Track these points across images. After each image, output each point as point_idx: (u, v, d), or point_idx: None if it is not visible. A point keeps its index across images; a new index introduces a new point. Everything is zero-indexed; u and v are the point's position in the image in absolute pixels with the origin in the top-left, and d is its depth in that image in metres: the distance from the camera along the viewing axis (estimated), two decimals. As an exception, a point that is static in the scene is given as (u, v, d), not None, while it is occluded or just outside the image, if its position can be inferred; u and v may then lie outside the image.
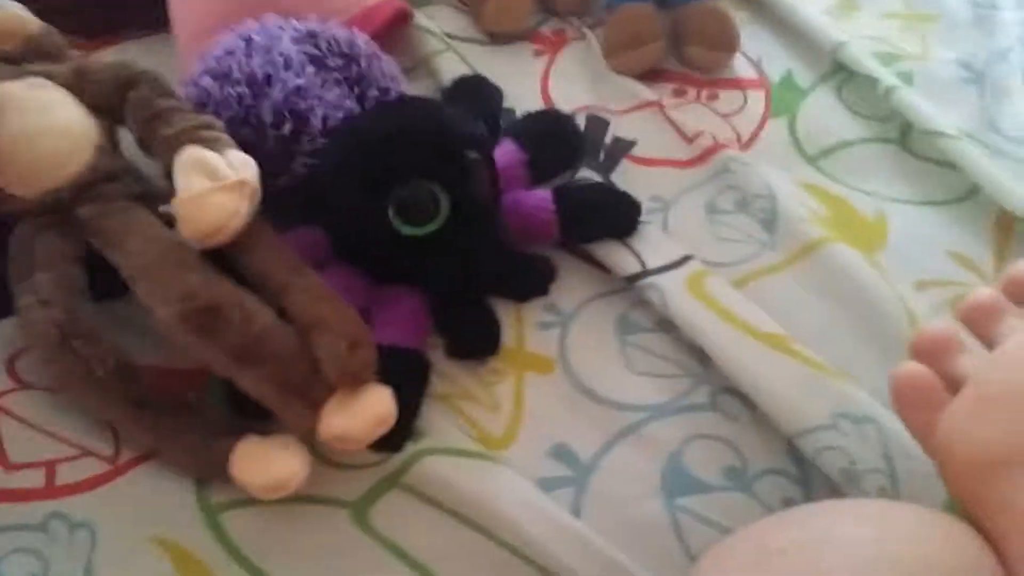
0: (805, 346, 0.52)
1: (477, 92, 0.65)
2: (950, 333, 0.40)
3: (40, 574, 0.45)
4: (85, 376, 0.46)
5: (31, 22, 0.53)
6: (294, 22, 0.56)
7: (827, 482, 0.48)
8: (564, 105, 0.67)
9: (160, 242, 0.47)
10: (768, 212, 0.60)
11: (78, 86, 0.51)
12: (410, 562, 0.46)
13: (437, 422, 0.50)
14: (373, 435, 0.46)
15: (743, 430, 0.51)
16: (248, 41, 0.54)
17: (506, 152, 0.59)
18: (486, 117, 0.61)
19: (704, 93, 0.69)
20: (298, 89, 0.53)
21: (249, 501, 0.47)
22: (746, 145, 0.65)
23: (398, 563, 0.46)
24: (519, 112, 0.65)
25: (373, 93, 0.56)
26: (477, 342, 0.54)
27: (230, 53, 0.54)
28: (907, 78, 0.68)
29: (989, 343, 0.40)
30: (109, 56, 0.69)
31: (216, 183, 0.46)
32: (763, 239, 0.59)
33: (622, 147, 0.64)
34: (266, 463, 0.46)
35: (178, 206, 0.46)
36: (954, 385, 0.38)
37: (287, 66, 0.53)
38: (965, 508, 0.36)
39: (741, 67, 0.71)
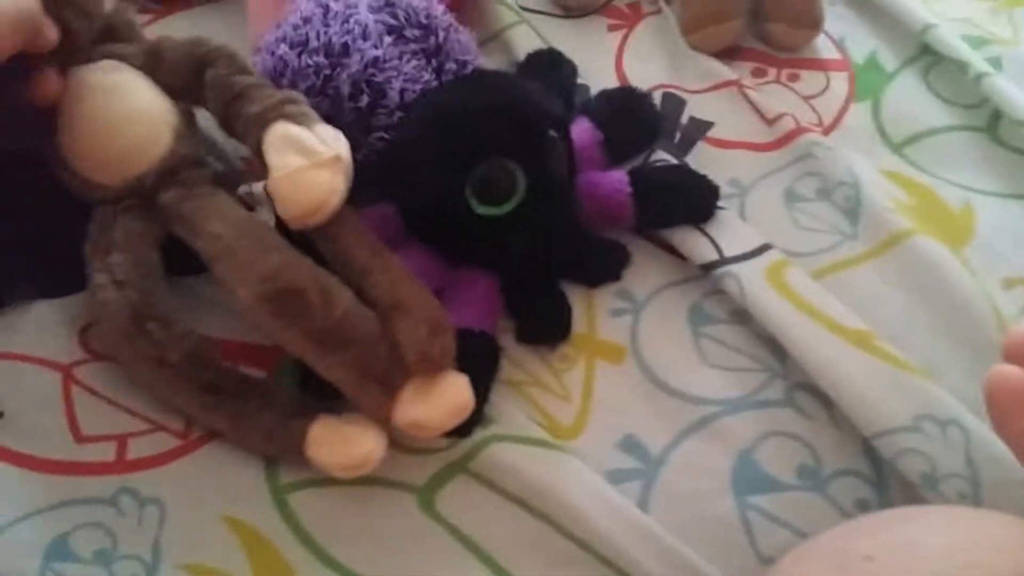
0: (887, 343, 0.50)
1: (551, 67, 0.63)
2: None
3: (108, 549, 0.45)
4: (158, 360, 0.45)
5: None
6: (370, -11, 0.55)
7: (903, 485, 0.47)
8: (639, 82, 0.64)
9: (240, 224, 0.46)
10: (852, 200, 0.57)
11: (152, 68, 0.49)
12: (474, 549, 0.46)
13: (506, 408, 0.50)
14: (450, 424, 0.45)
15: (819, 429, 0.50)
16: (326, 9, 0.52)
17: (582, 131, 0.57)
18: (560, 93, 0.59)
19: (785, 73, 0.67)
20: (376, 60, 0.51)
21: (317, 481, 0.47)
22: (828, 129, 0.63)
23: (462, 549, 0.46)
24: (593, 89, 0.63)
25: (450, 66, 0.54)
26: (548, 327, 0.53)
27: (307, 21, 0.52)
28: (996, 63, 0.65)
29: None
30: (181, 22, 0.68)
31: (311, 159, 0.44)
32: (845, 229, 0.57)
33: (699, 128, 0.62)
34: (345, 443, 0.45)
35: (274, 185, 0.44)
36: None
37: (365, 36, 0.51)
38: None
39: (823, 47, 0.68)
